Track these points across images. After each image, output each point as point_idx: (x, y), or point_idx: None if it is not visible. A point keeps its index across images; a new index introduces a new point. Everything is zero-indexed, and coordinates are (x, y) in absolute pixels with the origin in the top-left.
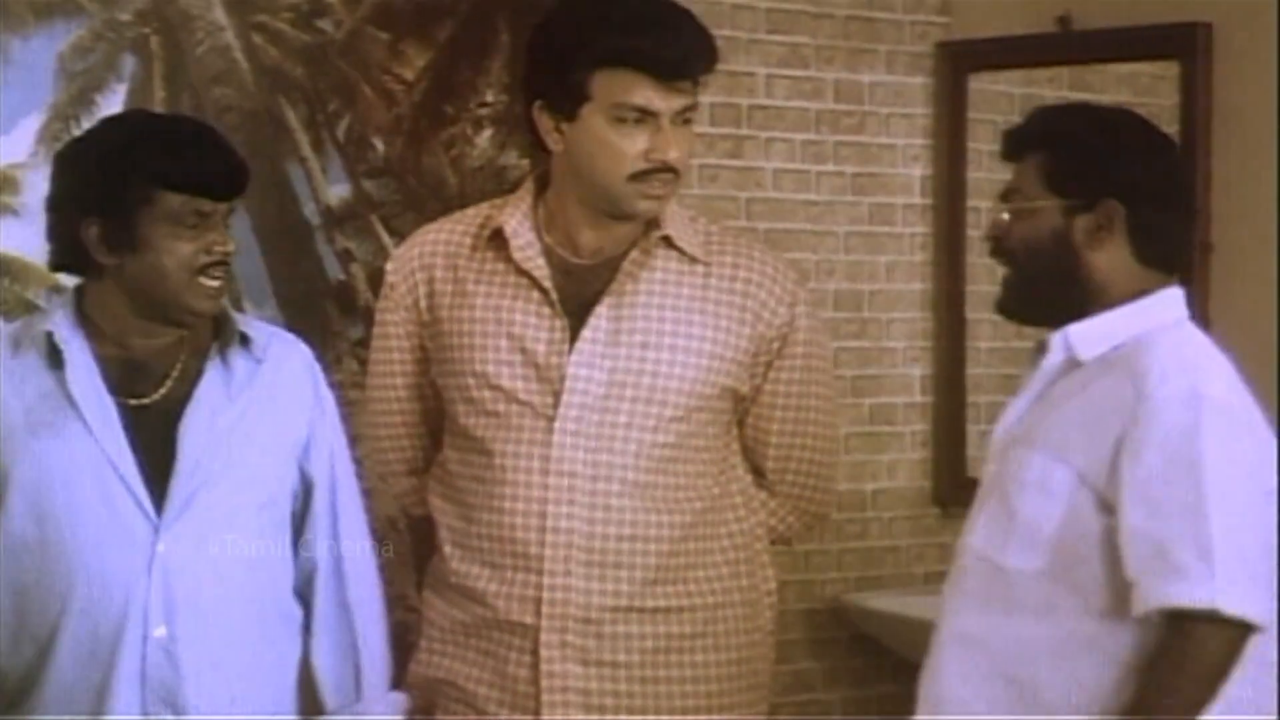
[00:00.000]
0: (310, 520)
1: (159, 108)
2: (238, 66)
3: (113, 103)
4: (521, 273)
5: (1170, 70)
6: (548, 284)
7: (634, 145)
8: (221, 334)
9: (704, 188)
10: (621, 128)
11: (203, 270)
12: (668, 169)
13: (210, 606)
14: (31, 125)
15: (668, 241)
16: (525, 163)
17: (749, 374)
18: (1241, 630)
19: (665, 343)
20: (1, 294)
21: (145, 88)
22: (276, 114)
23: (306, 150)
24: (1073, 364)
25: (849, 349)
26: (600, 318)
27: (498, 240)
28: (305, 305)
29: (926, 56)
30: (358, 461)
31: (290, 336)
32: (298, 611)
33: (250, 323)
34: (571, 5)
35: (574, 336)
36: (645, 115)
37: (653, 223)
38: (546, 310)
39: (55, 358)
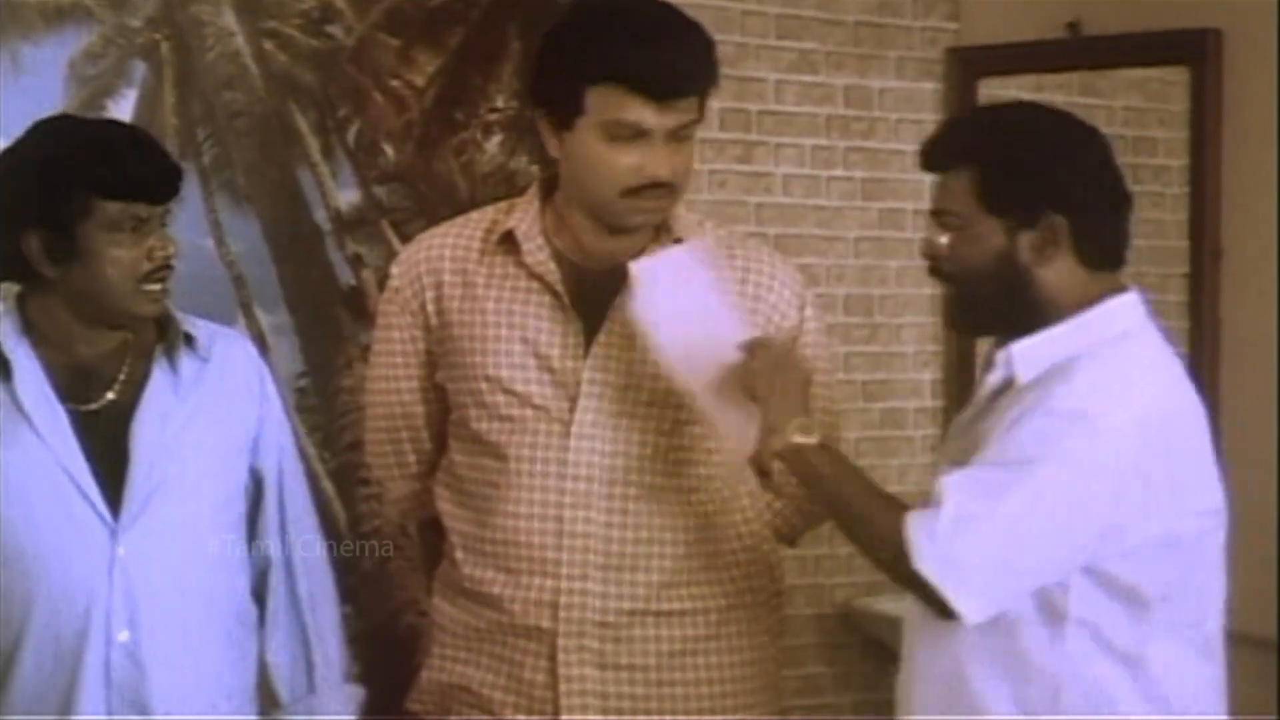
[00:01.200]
0: (261, 517)
1: (169, 113)
2: (248, 72)
3: (123, 108)
4: (534, 276)
5: (1180, 76)
6: (560, 288)
7: (626, 161)
8: (166, 335)
9: (713, 193)
10: (614, 143)
11: (146, 277)
12: (662, 184)
13: (172, 608)
14: None
15: (678, 245)
16: (535, 168)
17: None
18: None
19: None
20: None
21: (155, 93)
22: (287, 119)
23: (317, 156)
24: (1011, 383)
25: (859, 353)
26: (614, 321)
27: (508, 244)
28: (316, 310)
29: (936, 62)
30: (365, 466)
31: (234, 333)
32: (253, 608)
33: (193, 321)
34: (572, 17)
35: (588, 340)
36: (638, 132)
37: (664, 227)
38: (560, 314)
39: (2, 367)
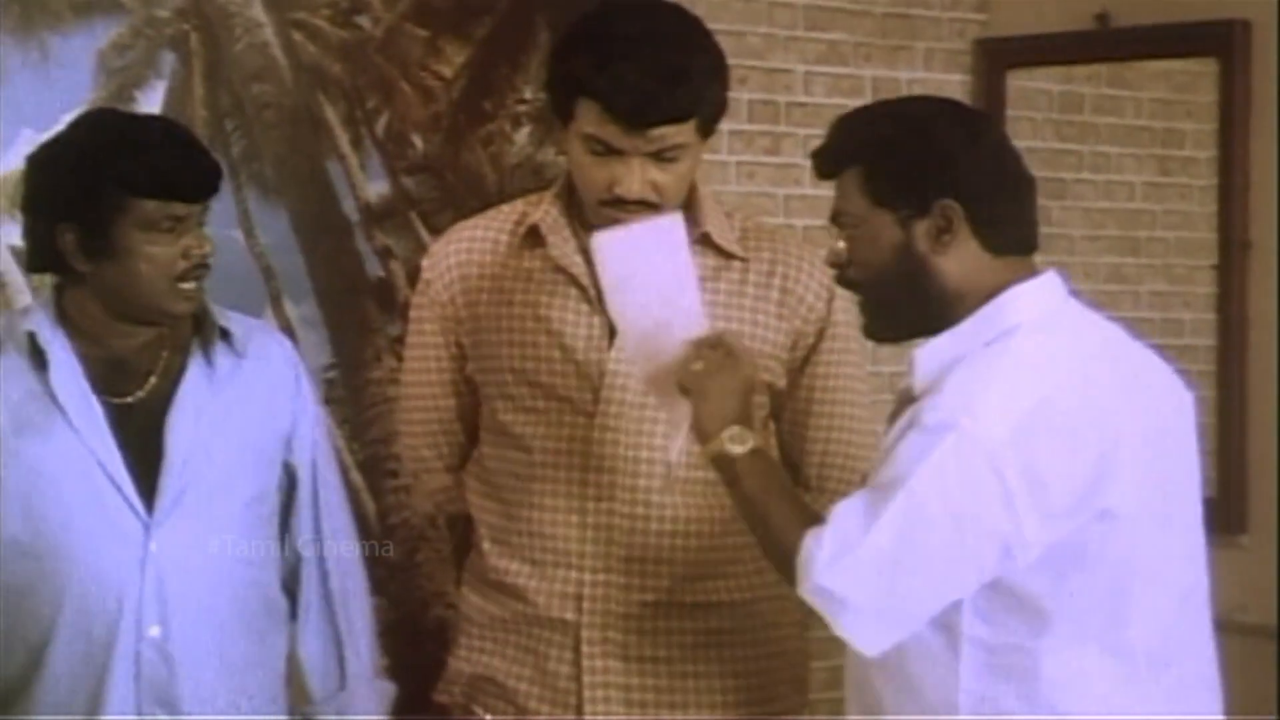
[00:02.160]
0: (294, 512)
1: (198, 104)
2: (276, 63)
3: (152, 100)
4: (559, 269)
5: (1208, 67)
6: (585, 280)
7: (600, 175)
8: (202, 329)
9: (742, 184)
10: (592, 155)
11: (182, 275)
12: (640, 200)
13: (203, 604)
14: None
15: (705, 239)
16: (563, 159)
17: (785, 368)
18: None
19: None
20: (44, 291)
21: (184, 85)
22: (315, 111)
23: (345, 147)
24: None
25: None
26: None
27: (533, 237)
28: (344, 302)
29: (964, 53)
30: (396, 458)
31: (270, 329)
32: (284, 604)
33: (230, 316)
34: (574, 26)
35: (612, 332)
36: (612, 149)
37: (691, 219)
38: (584, 307)
39: (38, 358)
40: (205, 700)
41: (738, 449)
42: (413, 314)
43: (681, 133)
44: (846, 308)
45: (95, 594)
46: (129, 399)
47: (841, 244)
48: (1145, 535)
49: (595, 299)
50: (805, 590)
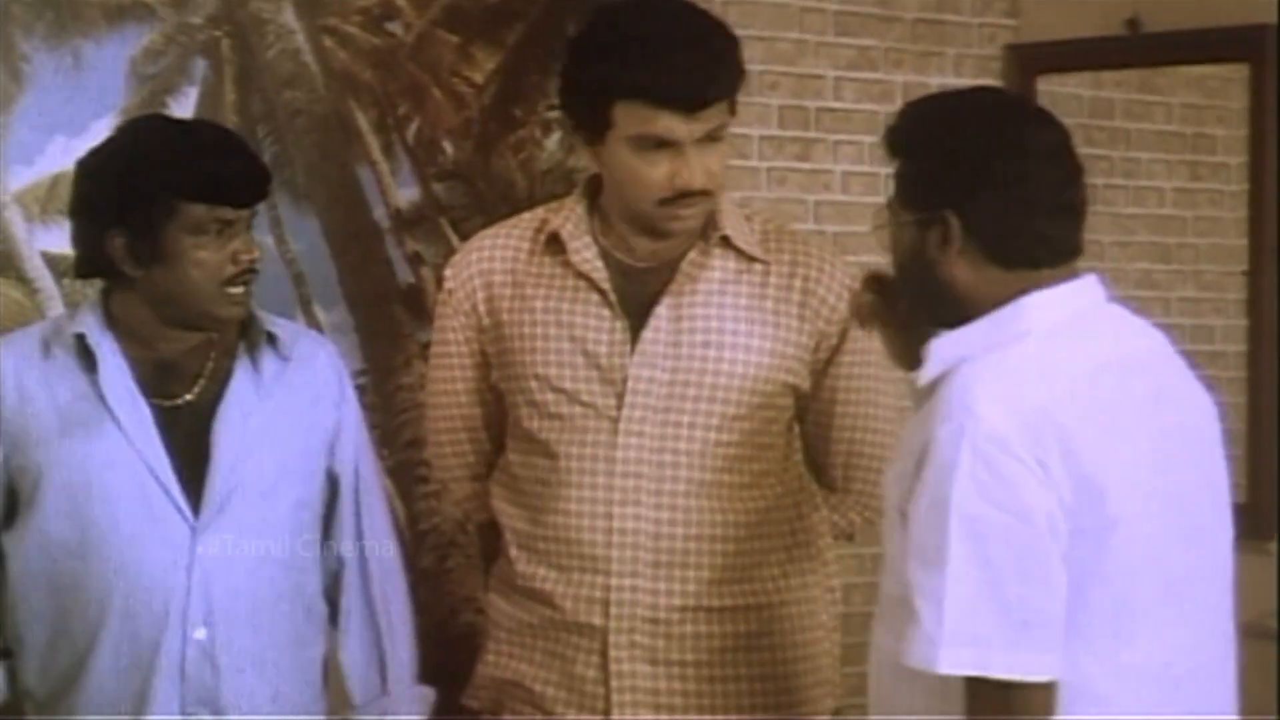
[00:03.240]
0: (336, 517)
1: (230, 111)
2: (308, 70)
3: (184, 106)
4: (580, 275)
5: (1239, 73)
6: (606, 286)
7: (658, 172)
8: (248, 334)
9: (772, 190)
10: (644, 155)
11: (230, 280)
12: (696, 192)
13: (248, 607)
14: (103, 128)
15: (726, 242)
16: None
17: (809, 370)
18: (1009, 686)
19: (726, 341)
20: (74, 296)
21: (216, 91)
22: (346, 117)
23: (376, 153)
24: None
25: None
26: (661, 318)
27: (555, 244)
28: (375, 308)
29: (995, 59)
30: (424, 464)
31: (316, 334)
32: (324, 608)
33: (276, 321)
34: (592, 33)
35: (635, 338)
36: (668, 143)
37: (711, 224)
38: (606, 312)
39: (87, 359)
40: (247, 702)
41: None
42: (436, 323)
43: (723, 111)
44: None
45: (141, 595)
46: (177, 401)
47: (884, 233)
48: (1165, 546)
49: (616, 304)
50: (948, 666)
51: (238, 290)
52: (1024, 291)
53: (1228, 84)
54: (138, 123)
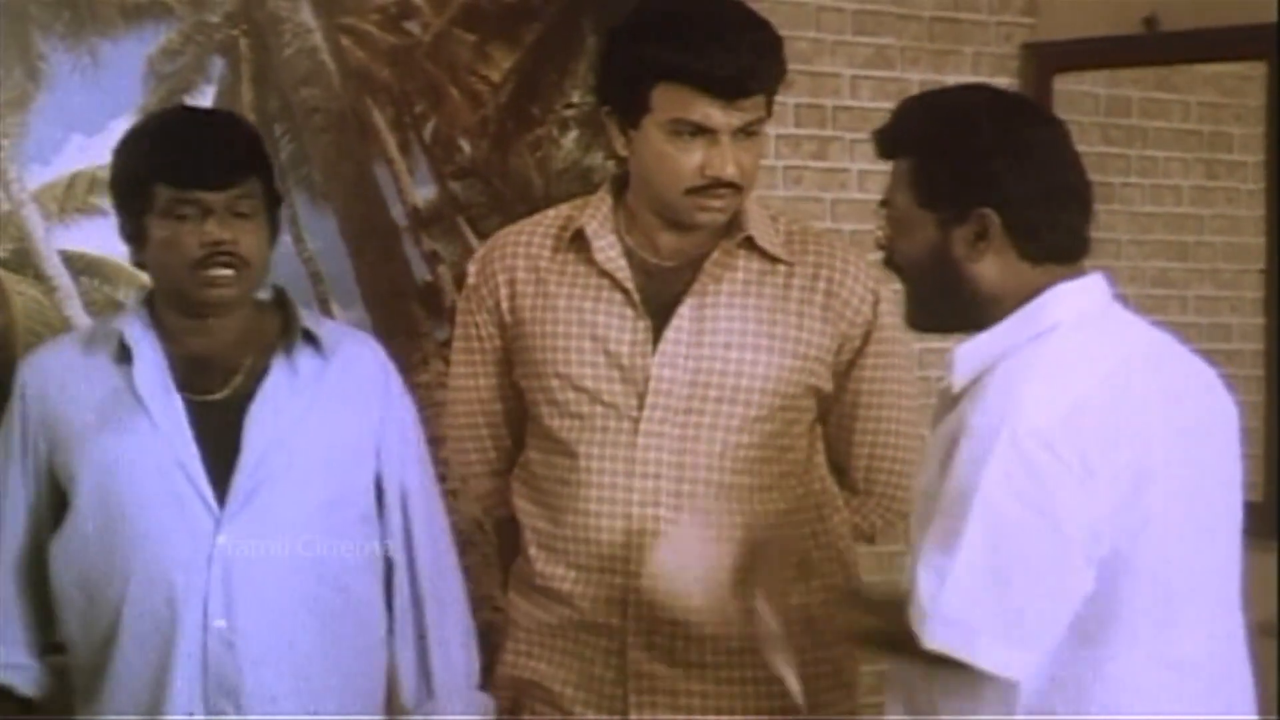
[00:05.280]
0: (384, 519)
1: (247, 109)
2: (325, 68)
3: (201, 104)
4: (604, 274)
5: (1257, 70)
6: (629, 285)
7: (691, 160)
8: (287, 331)
9: (789, 189)
10: (679, 141)
11: (199, 263)
12: (726, 184)
13: (270, 600)
14: (120, 127)
15: (750, 243)
16: (610, 164)
17: (831, 372)
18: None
19: (749, 342)
20: (91, 294)
21: (233, 89)
22: (363, 115)
23: (393, 152)
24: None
25: (932, 349)
26: (683, 318)
27: (579, 242)
28: (392, 306)
29: (1012, 58)
30: (443, 462)
31: (364, 336)
32: (378, 610)
33: (319, 321)
34: (638, 15)
35: (657, 337)
36: (703, 130)
37: (735, 224)
38: (629, 311)
39: (125, 356)
40: (268, 696)
41: None
42: (458, 319)
43: (761, 105)
44: (892, 310)
45: (163, 583)
46: (211, 397)
47: (882, 232)
48: (1187, 542)
49: (639, 303)
50: (932, 640)
51: (213, 273)
52: (1047, 285)
53: (1245, 82)
54: (146, 114)
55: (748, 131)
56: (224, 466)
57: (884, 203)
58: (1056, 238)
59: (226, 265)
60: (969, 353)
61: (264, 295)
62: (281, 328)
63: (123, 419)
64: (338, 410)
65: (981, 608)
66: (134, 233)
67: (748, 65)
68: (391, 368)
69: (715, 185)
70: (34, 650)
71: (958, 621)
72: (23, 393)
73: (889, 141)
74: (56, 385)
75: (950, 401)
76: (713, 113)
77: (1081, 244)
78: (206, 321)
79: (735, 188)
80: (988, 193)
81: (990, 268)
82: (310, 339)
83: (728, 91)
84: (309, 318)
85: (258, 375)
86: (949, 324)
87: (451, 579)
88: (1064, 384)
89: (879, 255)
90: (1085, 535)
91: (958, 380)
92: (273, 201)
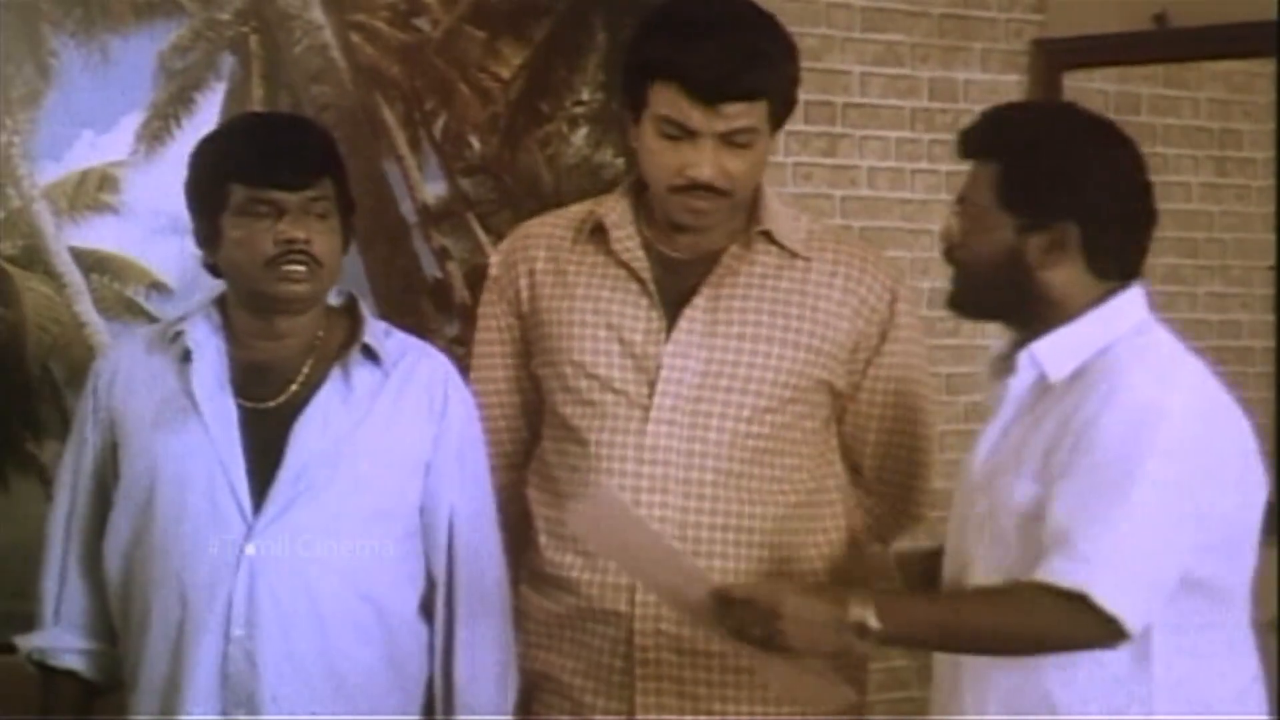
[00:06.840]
0: (428, 538)
1: (257, 106)
2: (335, 65)
3: (212, 102)
4: (621, 264)
5: (1267, 67)
6: (646, 275)
7: (674, 159)
8: (349, 342)
9: (799, 185)
10: (665, 139)
11: (273, 261)
12: (706, 186)
13: (296, 612)
14: (131, 124)
15: (768, 236)
16: (620, 161)
17: (846, 369)
18: (1104, 624)
19: (762, 334)
20: (102, 291)
21: (244, 86)
22: (373, 112)
23: (403, 148)
24: (1045, 384)
25: (944, 346)
26: (697, 309)
27: (599, 233)
28: (402, 302)
29: (1021, 54)
30: None
31: (431, 351)
32: (420, 629)
33: (388, 331)
34: (650, 13)
35: (672, 327)
36: (687, 131)
37: (754, 218)
38: (644, 301)
39: (188, 356)
40: (284, 707)
41: (873, 620)
42: (480, 310)
43: (753, 114)
44: (909, 310)
45: (189, 586)
46: (265, 405)
47: (958, 226)
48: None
49: (655, 293)
50: (1106, 596)
51: (287, 268)
52: (1103, 297)
53: (1255, 79)
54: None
55: (735, 140)
56: (266, 475)
57: (958, 200)
58: (1125, 258)
59: (300, 263)
60: (1056, 346)
61: (335, 301)
62: (346, 338)
63: (176, 419)
64: (389, 426)
65: (1144, 572)
66: (209, 234)
67: (729, 70)
68: (457, 385)
69: (694, 187)
70: (100, 636)
71: (1126, 582)
72: (95, 385)
73: (975, 143)
74: (123, 380)
75: (1040, 398)
76: (694, 115)
77: (1141, 264)
78: (275, 323)
79: (718, 192)
80: (1071, 207)
81: (1058, 275)
82: (368, 352)
83: (708, 95)
84: (374, 329)
85: (313, 385)
86: (996, 317)
87: (493, 608)
88: (1188, 372)
89: (896, 253)
90: (1208, 510)
91: (1057, 371)
92: (346, 205)
